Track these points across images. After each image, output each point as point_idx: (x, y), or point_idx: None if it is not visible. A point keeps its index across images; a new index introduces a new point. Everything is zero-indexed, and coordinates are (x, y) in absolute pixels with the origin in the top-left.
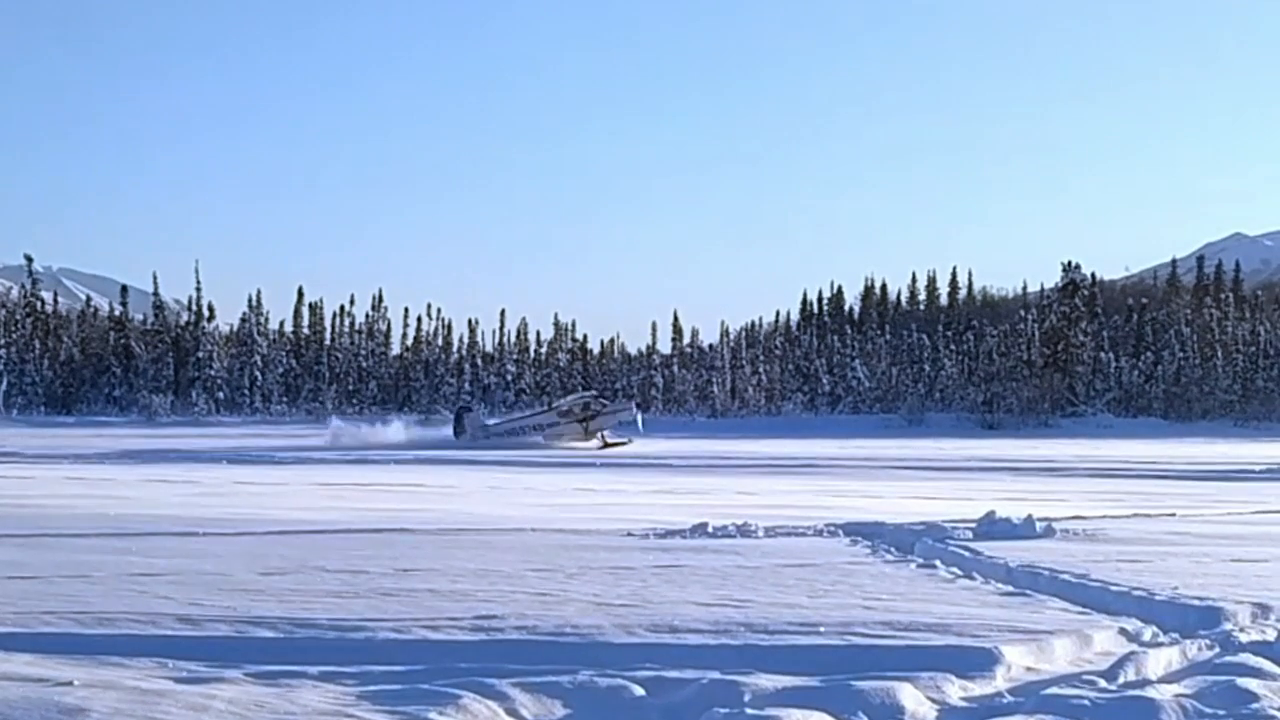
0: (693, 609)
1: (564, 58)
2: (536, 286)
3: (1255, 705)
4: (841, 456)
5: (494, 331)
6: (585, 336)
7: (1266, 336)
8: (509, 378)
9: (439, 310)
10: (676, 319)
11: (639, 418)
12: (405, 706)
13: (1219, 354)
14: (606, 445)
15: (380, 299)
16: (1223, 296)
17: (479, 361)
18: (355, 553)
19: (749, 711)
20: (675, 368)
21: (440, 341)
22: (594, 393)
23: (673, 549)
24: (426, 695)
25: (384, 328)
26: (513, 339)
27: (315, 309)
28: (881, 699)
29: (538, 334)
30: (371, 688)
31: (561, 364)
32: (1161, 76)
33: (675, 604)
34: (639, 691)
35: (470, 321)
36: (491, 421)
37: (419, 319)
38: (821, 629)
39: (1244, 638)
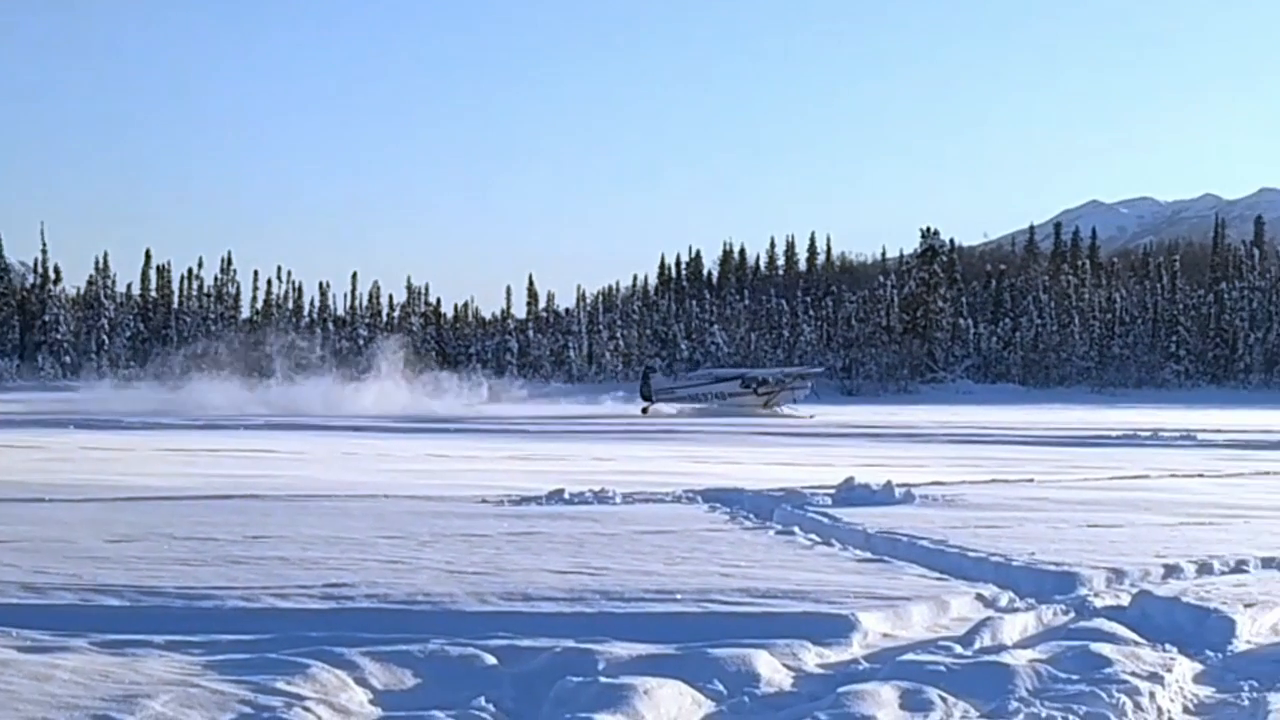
0: (547, 577)
1: (401, 23)
2: (389, 249)
3: (1109, 670)
4: (700, 422)
5: (345, 295)
6: (439, 300)
7: (1122, 303)
8: (361, 342)
9: (289, 273)
10: (532, 283)
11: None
12: (253, 676)
13: (1076, 321)
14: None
15: (229, 261)
16: (1080, 264)
17: (330, 325)
18: (204, 520)
19: (603, 680)
20: (531, 333)
21: (291, 305)
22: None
23: (528, 516)
24: (275, 664)
25: (233, 291)
26: (365, 303)
27: (163, 272)
28: (738, 667)
29: (390, 298)
30: (219, 657)
31: (414, 328)
32: (1018, 43)
33: (529, 572)
34: (491, 660)
35: (321, 285)
36: (674, 385)
37: (269, 282)
38: (678, 596)
39: (1099, 603)
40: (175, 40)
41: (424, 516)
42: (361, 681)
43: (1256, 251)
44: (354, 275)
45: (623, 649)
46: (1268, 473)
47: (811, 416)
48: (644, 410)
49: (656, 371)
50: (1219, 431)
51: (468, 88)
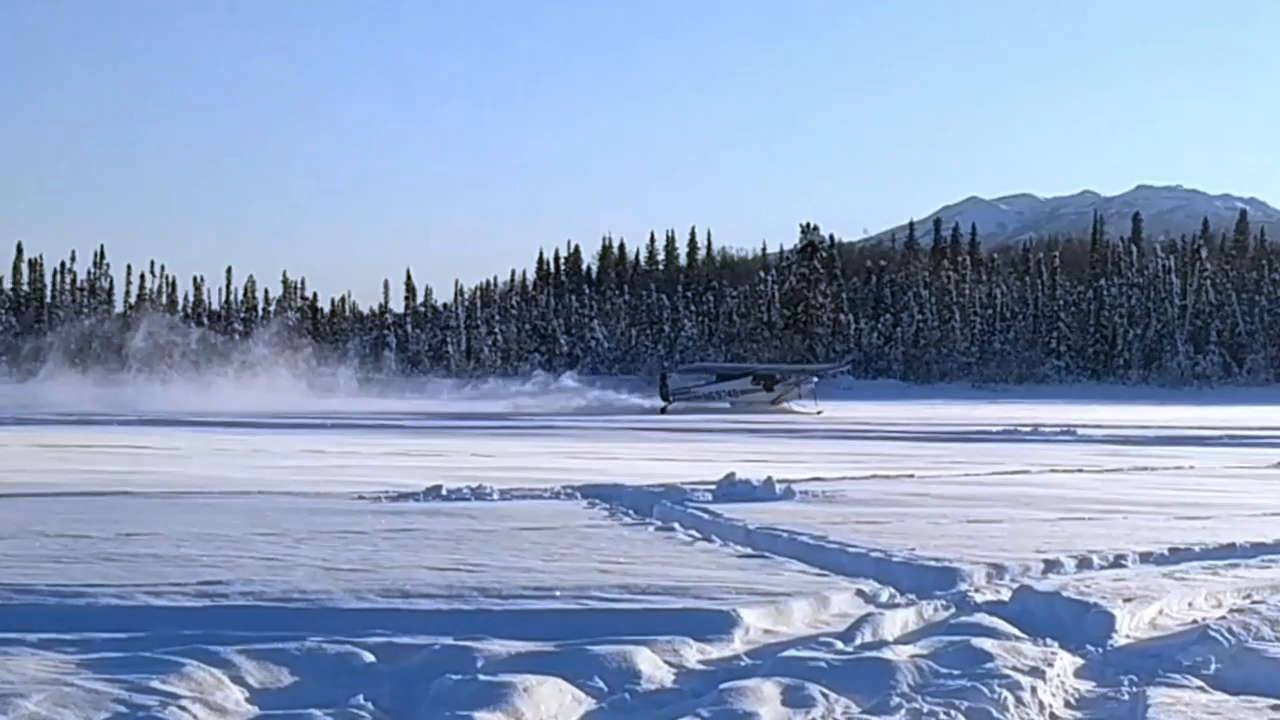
0: (425, 574)
1: (262, 13)
2: (264, 243)
3: (990, 665)
4: (580, 417)
5: (220, 290)
6: (315, 295)
7: (1003, 299)
8: (236, 337)
9: (163, 267)
10: (410, 277)
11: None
12: (127, 674)
13: (956, 316)
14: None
15: (102, 255)
16: (960, 260)
17: (205, 320)
18: (77, 516)
19: (481, 678)
20: (409, 327)
21: (165, 300)
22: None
23: (405, 512)
24: (149, 663)
25: (106, 285)
26: (240, 297)
27: (35, 265)
28: (618, 663)
29: (266, 292)
30: (93, 655)
31: (291, 323)
32: (898, 40)
33: (407, 569)
34: (369, 658)
35: (196, 279)
36: (690, 386)
37: (142, 276)
38: (557, 593)
39: (979, 598)
40: (38, 32)
41: (300, 513)
42: (238, 680)
43: (1135, 248)
44: (229, 270)
45: (502, 646)
46: (1146, 468)
47: (819, 412)
48: (663, 410)
49: (672, 373)
50: (1098, 427)
51: (339, 81)
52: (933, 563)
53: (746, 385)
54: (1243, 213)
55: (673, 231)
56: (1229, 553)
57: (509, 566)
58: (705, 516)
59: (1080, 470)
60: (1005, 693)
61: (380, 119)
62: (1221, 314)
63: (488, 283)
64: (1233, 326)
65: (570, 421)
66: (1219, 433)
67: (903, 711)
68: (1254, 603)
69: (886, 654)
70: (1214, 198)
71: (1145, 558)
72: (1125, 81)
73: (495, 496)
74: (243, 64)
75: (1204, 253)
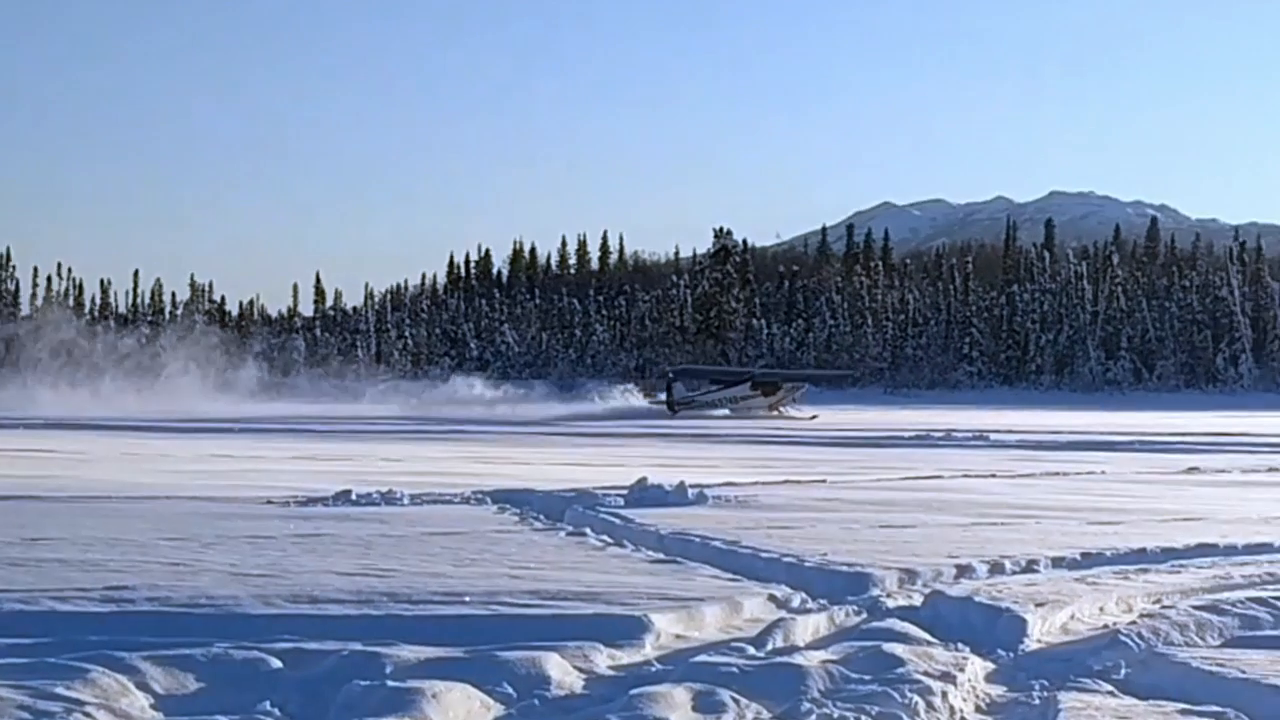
0: (334, 579)
1: (179, 15)
2: (171, 245)
3: (901, 670)
4: (492, 421)
5: (127, 292)
6: (223, 298)
7: (915, 304)
8: (143, 340)
9: (69, 270)
10: (319, 281)
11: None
12: (32, 680)
13: (869, 321)
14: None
15: (8, 258)
16: (872, 265)
17: (112, 323)
18: None
19: (390, 684)
20: (318, 331)
21: (71, 302)
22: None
23: (314, 517)
24: (54, 669)
25: (12, 288)
26: (147, 299)
27: None
28: (527, 669)
29: (173, 294)
30: None
31: (199, 325)
32: (811, 44)
33: (316, 574)
34: (276, 664)
35: (102, 281)
36: (693, 394)
37: (49, 279)
38: (467, 598)
39: (891, 603)
40: None
41: (207, 518)
42: (143, 686)
43: (1047, 254)
44: (135, 272)
45: (410, 652)
46: (1058, 473)
47: (814, 417)
48: (673, 414)
49: (678, 380)
50: (1011, 432)
51: (246, 78)
52: (845, 568)
53: (746, 391)
54: (1154, 220)
55: (584, 235)
56: (1140, 558)
57: (419, 572)
58: (617, 522)
59: (993, 475)
60: (916, 698)
61: (289, 120)
62: (1133, 320)
63: (398, 286)
64: (1144, 333)
65: (481, 426)
66: (1130, 438)
67: (813, 717)
68: (1164, 608)
69: (798, 659)
70: (1126, 204)
71: (1057, 562)
72: (1038, 88)
73: (405, 501)
74: (146, 60)
75: (1115, 259)
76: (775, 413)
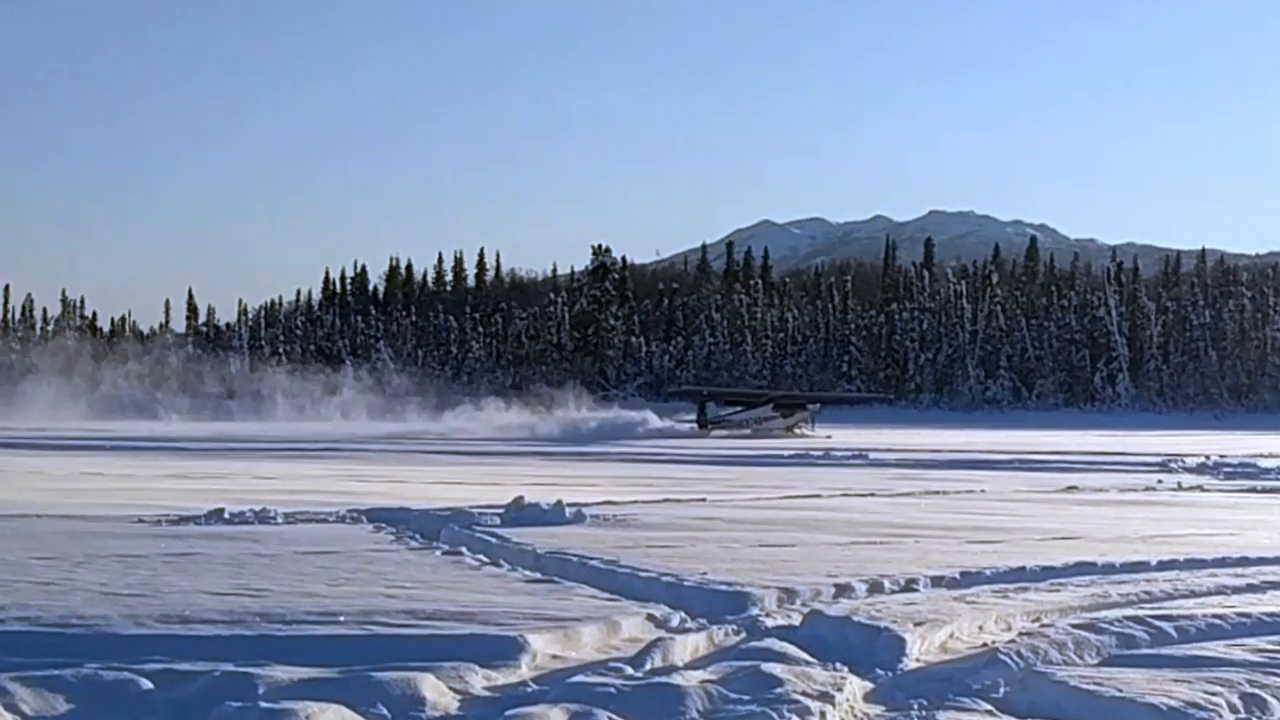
0: (206, 599)
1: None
2: (42, 260)
3: (780, 690)
4: (370, 439)
5: None
6: (95, 314)
7: (795, 323)
8: (14, 356)
9: None
10: (191, 297)
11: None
12: None
13: (749, 339)
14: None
15: None
16: (752, 283)
17: None
18: None
19: (263, 705)
20: (191, 347)
21: None
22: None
23: (186, 536)
24: None
25: None
26: (17, 315)
27: None
28: (402, 690)
29: (44, 311)
30: None
31: (70, 342)
32: (690, 62)
33: (187, 593)
34: (147, 685)
35: None
36: (724, 413)
37: None
38: (341, 619)
39: (770, 623)
40: None
41: (78, 537)
42: (11, 707)
43: (926, 273)
44: (5, 288)
45: (284, 672)
46: (937, 492)
47: (828, 437)
48: (704, 433)
49: (709, 400)
50: (890, 451)
51: (121, 95)
52: (724, 587)
53: (768, 413)
54: (1033, 239)
55: (461, 252)
56: (1019, 576)
57: (292, 591)
58: (493, 541)
59: (872, 494)
60: (794, 717)
61: (161, 134)
62: (1012, 339)
63: (272, 303)
64: (1022, 351)
65: (357, 444)
66: (1009, 457)
67: None
68: (1043, 626)
69: (676, 679)
70: (1005, 224)
71: (936, 581)
72: (917, 108)
73: (279, 520)
74: (25, 75)
75: (995, 278)
76: (792, 433)
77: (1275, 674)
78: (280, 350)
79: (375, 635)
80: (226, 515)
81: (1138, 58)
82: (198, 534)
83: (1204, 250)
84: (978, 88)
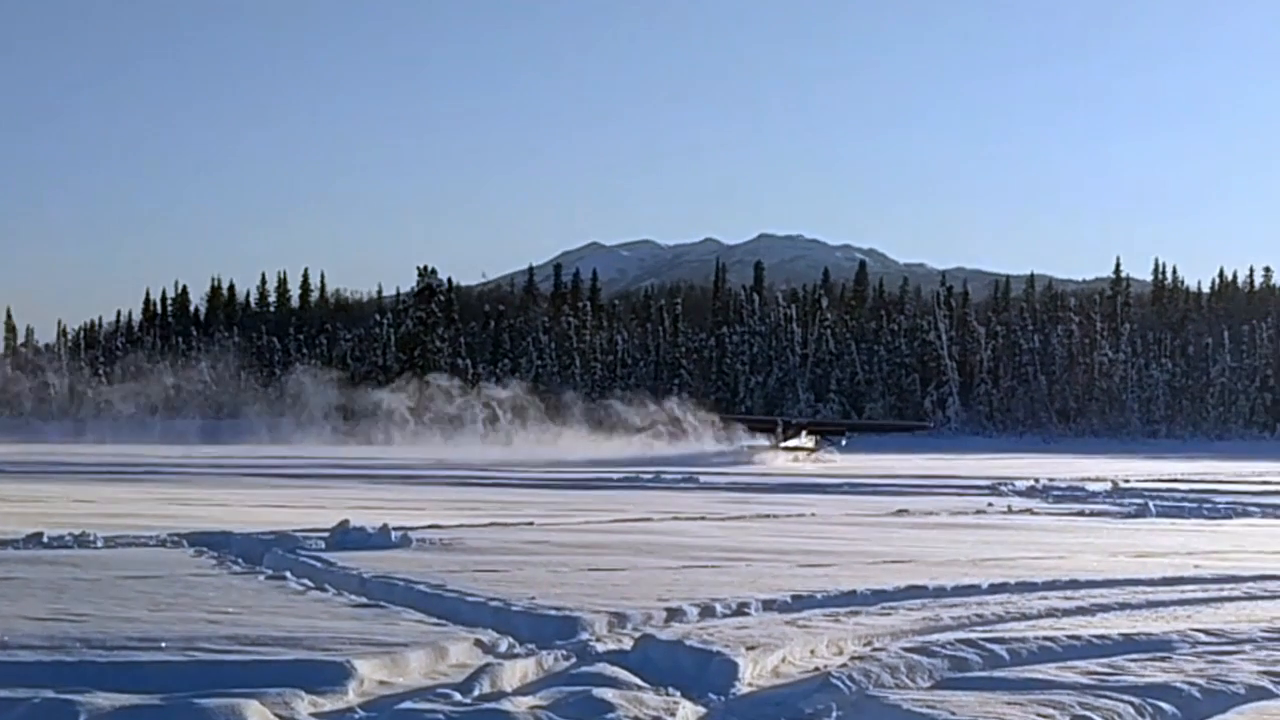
0: (25, 624)
1: None
2: None
3: (611, 715)
4: (191, 462)
5: None
6: None
7: (624, 345)
8: None
9: None
10: (10, 316)
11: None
12: None
13: (577, 362)
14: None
15: None
16: (580, 305)
17: None
18: None
19: None
20: (9, 368)
21: None
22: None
23: (4, 560)
24: None
25: None
26: None
27: None
28: (226, 716)
29: None
30: None
31: None
32: (515, 89)
33: (6, 619)
34: None
35: None
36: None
37: None
38: (163, 644)
39: (601, 647)
40: None
41: None
42: None
43: (757, 297)
44: None
45: (105, 699)
46: (768, 516)
47: (831, 461)
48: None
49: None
50: (721, 474)
51: None
52: (553, 612)
53: (803, 438)
54: (862, 264)
55: (284, 272)
56: (850, 600)
57: (113, 616)
58: (318, 565)
59: (703, 518)
60: None
61: None
62: (841, 363)
63: (92, 323)
64: (852, 375)
65: (178, 466)
66: (839, 480)
67: None
68: (874, 650)
69: (505, 705)
70: (834, 248)
71: (768, 605)
72: (746, 130)
73: (99, 544)
74: None
75: (825, 302)
76: (813, 456)
77: (1106, 696)
78: (100, 371)
79: (198, 661)
80: (45, 539)
81: (962, 82)
82: (15, 558)
83: (1033, 276)
84: (805, 111)
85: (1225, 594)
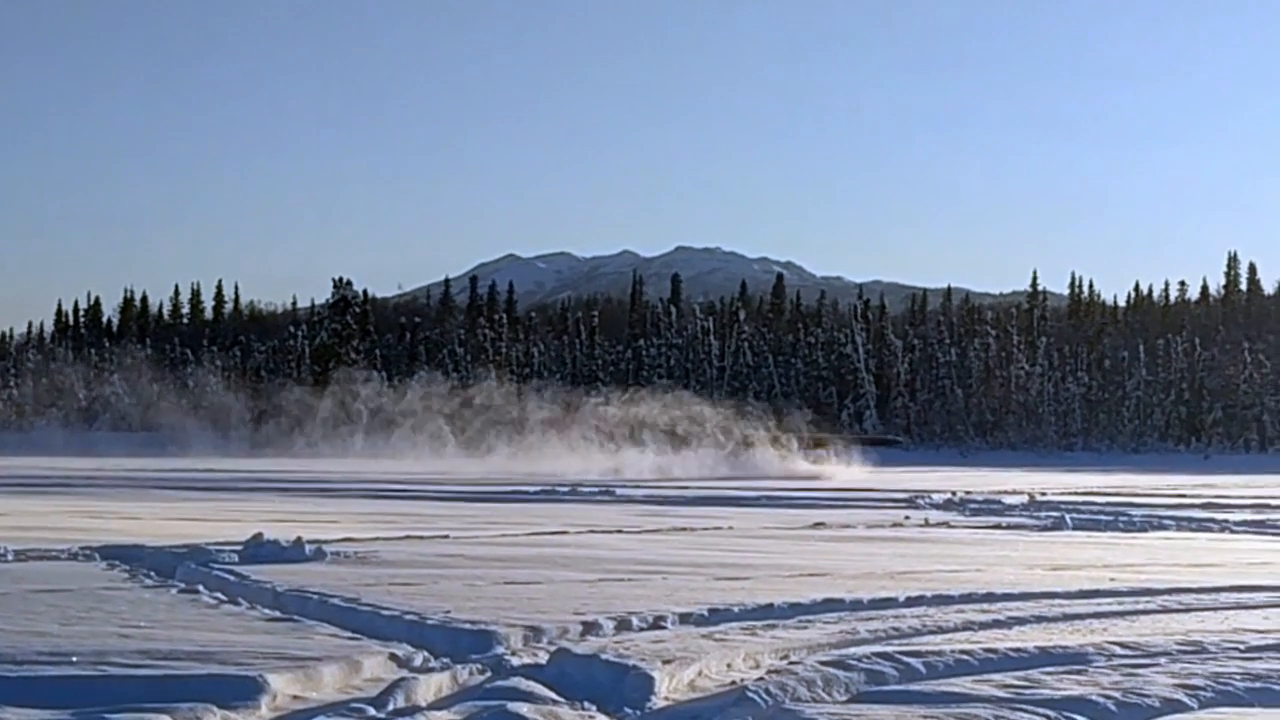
0: None
1: None
2: None
3: None
4: (103, 474)
5: None
6: None
7: (540, 358)
8: None
9: None
10: None
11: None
12: None
13: (492, 374)
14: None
15: None
16: (496, 317)
17: None
18: None
19: None
20: None
21: None
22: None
23: None
24: None
25: None
26: None
27: None
28: None
29: None
30: None
31: None
32: (435, 97)
33: None
34: None
35: None
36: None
37: None
38: (74, 659)
39: (516, 661)
40: None
41: None
42: None
43: (674, 309)
44: None
45: (14, 715)
46: (685, 529)
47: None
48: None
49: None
50: (637, 486)
51: None
52: (468, 625)
53: (821, 453)
54: (780, 276)
55: (198, 284)
56: (767, 613)
57: (22, 631)
58: (231, 578)
59: (619, 531)
60: None
61: None
62: (759, 375)
63: (3, 335)
64: (770, 388)
65: (90, 479)
66: (756, 493)
67: None
68: (791, 663)
69: (419, 719)
70: (752, 260)
71: (684, 619)
72: (663, 142)
73: (9, 557)
74: None
75: (742, 315)
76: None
77: (1022, 709)
78: (10, 384)
79: (109, 676)
80: None
81: (878, 93)
82: None
83: (949, 289)
84: (724, 125)
85: (1140, 607)
